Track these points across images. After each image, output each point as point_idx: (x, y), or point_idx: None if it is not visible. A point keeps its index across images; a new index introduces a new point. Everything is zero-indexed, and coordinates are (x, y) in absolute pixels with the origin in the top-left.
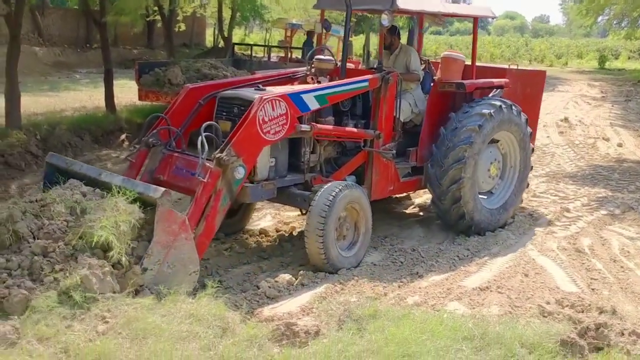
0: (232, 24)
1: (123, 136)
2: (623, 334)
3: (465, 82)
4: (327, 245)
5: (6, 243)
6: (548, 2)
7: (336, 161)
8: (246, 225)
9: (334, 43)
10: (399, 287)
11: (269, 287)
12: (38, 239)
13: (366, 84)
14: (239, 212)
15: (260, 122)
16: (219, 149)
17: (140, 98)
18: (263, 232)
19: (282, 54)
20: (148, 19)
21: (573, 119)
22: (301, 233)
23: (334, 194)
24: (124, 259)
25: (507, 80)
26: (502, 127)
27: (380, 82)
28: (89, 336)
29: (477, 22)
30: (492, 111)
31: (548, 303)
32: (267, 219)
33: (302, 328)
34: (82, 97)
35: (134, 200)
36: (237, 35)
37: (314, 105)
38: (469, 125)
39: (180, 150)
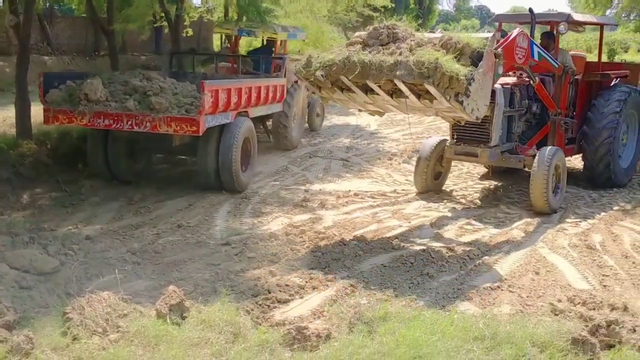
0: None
1: None
2: (635, 331)
3: (609, 72)
4: (548, 193)
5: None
6: None
7: (524, 134)
8: (442, 188)
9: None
10: (409, 288)
11: (280, 291)
12: None
13: (556, 65)
14: (442, 175)
15: (517, 44)
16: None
17: (46, 121)
18: (273, 235)
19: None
20: (155, 25)
21: None
22: (310, 236)
23: (551, 155)
24: (467, 70)
25: (628, 71)
26: (632, 107)
27: (563, 72)
28: (102, 344)
29: (603, 28)
30: (626, 97)
31: (559, 301)
32: (277, 222)
33: (313, 332)
34: None
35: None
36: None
37: (536, 56)
38: (612, 109)
39: None
